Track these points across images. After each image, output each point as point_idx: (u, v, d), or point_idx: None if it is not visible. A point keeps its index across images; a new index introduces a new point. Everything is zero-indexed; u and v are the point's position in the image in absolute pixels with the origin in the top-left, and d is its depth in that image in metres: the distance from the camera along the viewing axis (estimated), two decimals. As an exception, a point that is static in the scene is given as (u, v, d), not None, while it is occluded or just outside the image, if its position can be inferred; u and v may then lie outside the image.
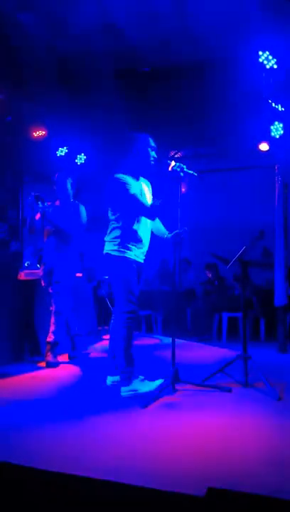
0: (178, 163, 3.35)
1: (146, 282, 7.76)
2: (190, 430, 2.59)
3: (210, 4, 4.94)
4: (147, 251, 3.45)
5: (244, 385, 3.39)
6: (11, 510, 1.97)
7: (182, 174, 3.34)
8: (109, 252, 3.32)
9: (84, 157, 6.80)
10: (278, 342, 5.12)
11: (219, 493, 1.78)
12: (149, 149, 3.41)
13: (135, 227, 3.35)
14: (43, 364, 4.29)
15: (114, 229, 3.36)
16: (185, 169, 3.35)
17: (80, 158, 6.79)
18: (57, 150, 6.53)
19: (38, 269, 5.22)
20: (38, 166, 6.76)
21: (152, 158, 3.42)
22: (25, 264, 5.77)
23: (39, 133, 6.16)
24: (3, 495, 2.00)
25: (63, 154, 6.58)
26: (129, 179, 3.33)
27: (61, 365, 4.32)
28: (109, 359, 3.47)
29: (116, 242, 3.31)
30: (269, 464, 2.15)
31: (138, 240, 3.36)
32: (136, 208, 3.31)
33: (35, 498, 1.98)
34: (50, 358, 4.27)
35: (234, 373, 3.47)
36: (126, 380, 3.18)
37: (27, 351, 4.56)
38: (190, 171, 3.38)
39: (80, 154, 6.79)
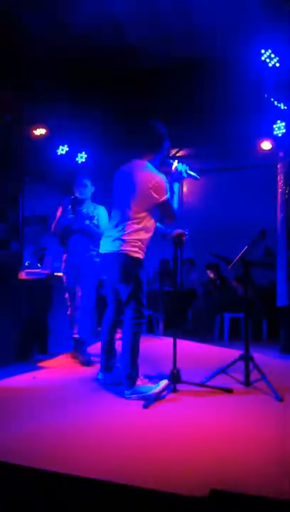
0: (181, 164, 3.32)
1: (147, 282, 7.75)
2: (192, 431, 2.56)
3: (212, 2, 4.91)
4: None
5: (246, 386, 3.36)
6: (11, 510, 1.95)
7: (185, 175, 3.32)
8: (127, 252, 3.10)
9: (85, 156, 6.78)
10: (281, 343, 5.09)
11: (222, 495, 1.76)
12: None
13: (153, 230, 3.27)
14: (47, 363, 4.26)
15: (136, 229, 3.12)
16: (188, 170, 3.32)
17: (81, 157, 6.77)
18: (58, 148, 6.51)
19: (38, 268, 5.22)
20: (39, 164, 6.73)
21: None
22: (26, 264, 5.75)
23: (39, 132, 6.14)
24: (3, 495, 1.98)
25: (64, 153, 6.56)
26: (165, 178, 3.19)
27: (62, 365, 4.30)
28: (102, 358, 3.45)
29: (137, 244, 3.12)
30: (271, 465, 2.13)
31: (148, 243, 3.26)
32: (166, 212, 3.22)
33: (35, 499, 1.96)
34: (81, 357, 4.31)
35: (235, 374, 3.44)
36: (131, 384, 3.14)
37: (30, 350, 4.55)
38: (192, 173, 3.34)
39: (81, 153, 6.77)
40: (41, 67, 5.87)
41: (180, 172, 3.29)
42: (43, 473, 2.02)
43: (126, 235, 3.11)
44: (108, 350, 3.42)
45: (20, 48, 5.51)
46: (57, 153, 6.49)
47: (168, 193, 3.16)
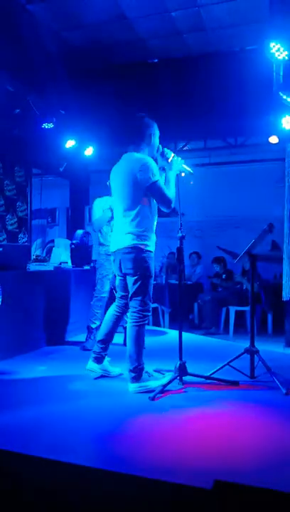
0: (176, 156, 3.29)
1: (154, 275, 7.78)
2: (197, 423, 2.60)
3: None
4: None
5: (251, 379, 3.39)
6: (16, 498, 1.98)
7: (181, 168, 3.29)
8: (138, 246, 3.11)
9: (93, 149, 6.78)
10: (286, 336, 5.10)
11: (226, 486, 1.78)
12: (158, 138, 3.33)
13: (156, 218, 3.26)
14: (55, 354, 4.31)
15: (139, 221, 3.11)
16: (183, 164, 3.29)
17: (89, 150, 6.77)
18: (66, 142, 6.51)
19: (46, 260, 5.25)
20: (47, 158, 6.74)
21: (158, 148, 3.32)
22: (33, 256, 5.79)
23: (47, 125, 6.14)
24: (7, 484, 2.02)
25: (72, 146, 6.56)
26: (153, 161, 3.15)
27: (71, 356, 4.34)
28: (97, 347, 3.46)
29: (145, 236, 3.13)
30: (276, 457, 2.15)
31: (154, 233, 3.26)
32: (158, 196, 3.16)
33: (40, 488, 1.99)
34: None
35: (241, 367, 3.46)
36: (136, 378, 3.15)
37: (39, 341, 4.61)
38: (187, 167, 3.30)
39: (89, 146, 6.77)
40: (50, 60, 5.87)
41: (176, 163, 3.26)
42: (43, 461, 2.04)
43: (133, 229, 3.12)
44: (106, 340, 3.42)
45: (29, 40, 5.50)
46: (65, 146, 6.49)
47: (157, 176, 3.12)
